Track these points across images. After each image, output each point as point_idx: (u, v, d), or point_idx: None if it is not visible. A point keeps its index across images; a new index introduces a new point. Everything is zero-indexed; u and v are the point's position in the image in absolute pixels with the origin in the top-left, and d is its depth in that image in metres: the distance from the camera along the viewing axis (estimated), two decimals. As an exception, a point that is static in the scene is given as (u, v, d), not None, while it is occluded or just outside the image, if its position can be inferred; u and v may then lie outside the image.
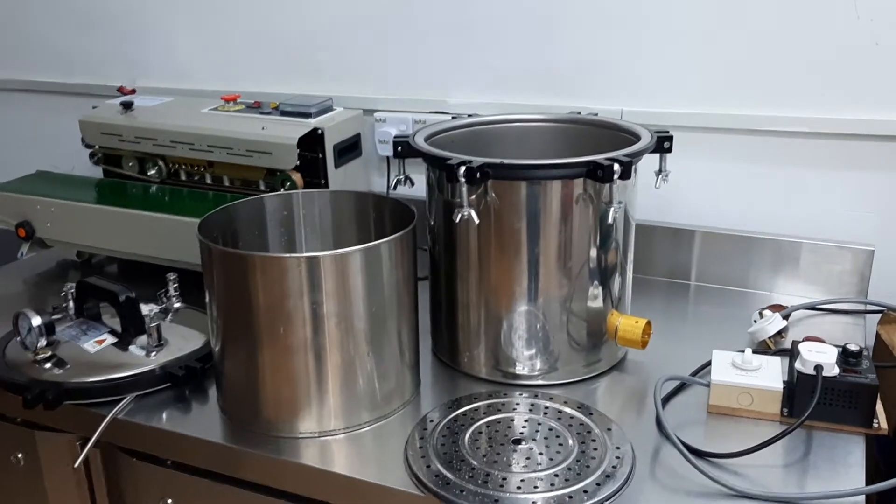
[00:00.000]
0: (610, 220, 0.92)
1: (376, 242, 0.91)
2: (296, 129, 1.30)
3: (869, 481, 0.83)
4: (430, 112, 1.40)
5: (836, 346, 0.93)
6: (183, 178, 1.40)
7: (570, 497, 0.80)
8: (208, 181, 1.39)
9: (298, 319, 0.89)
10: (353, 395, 0.94)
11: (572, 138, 1.14)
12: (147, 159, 1.41)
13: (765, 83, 1.22)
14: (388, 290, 0.94)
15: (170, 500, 0.99)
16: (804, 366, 0.90)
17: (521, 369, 1.01)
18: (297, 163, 1.29)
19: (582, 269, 0.98)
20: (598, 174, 0.90)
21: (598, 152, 0.94)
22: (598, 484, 0.81)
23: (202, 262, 0.94)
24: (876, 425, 0.89)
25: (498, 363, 1.02)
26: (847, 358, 0.92)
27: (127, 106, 1.42)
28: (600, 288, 1.00)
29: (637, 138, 1.02)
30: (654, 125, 1.20)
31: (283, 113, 1.35)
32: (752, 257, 1.26)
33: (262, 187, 1.34)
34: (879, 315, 1.15)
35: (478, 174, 0.90)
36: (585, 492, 0.80)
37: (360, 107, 1.43)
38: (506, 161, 0.91)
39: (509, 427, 0.92)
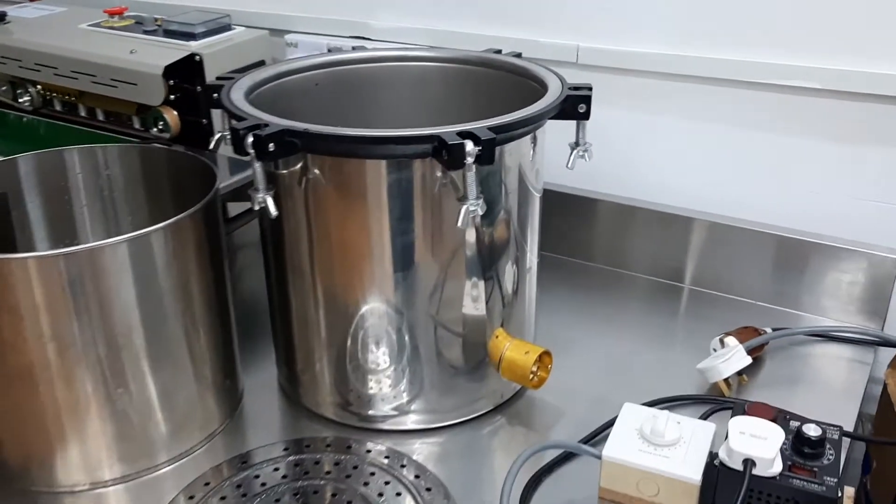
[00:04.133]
0: (460, 224, 0.63)
1: (141, 232, 0.66)
2: (167, 54, 1.03)
3: None
4: (350, 37, 1.11)
5: (791, 420, 0.64)
6: (58, 108, 1.17)
7: None
8: (82, 113, 1.15)
9: (23, 339, 0.65)
10: (127, 434, 0.71)
11: (481, 87, 0.83)
12: (18, 84, 1.17)
13: (769, 20, 0.88)
14: (168, 294, 0.69)
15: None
16: (730, 456, 0.62)
17: (366, 408, 0.76)
18: (170, 97, 1.03)
19: (448, 276, 0.70)
20: (444, 157, 0.61)
21: (502, 110, 0.66)
22: None
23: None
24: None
25: (341, 399, 0.76)
26: (801, 447, 0.62)
27: (-2, 17, 1.18)
28: (480, 301, 0.73)
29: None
30: (616, 68, 0.89)
31: (167, 32, 1.09)
32: (734, 253, 0.95)
33: (136, 125, 1.09)
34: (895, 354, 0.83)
35: (270, 146, 0.62)
36: None
37: (269, 26, 1.15)
38: (312, 129, 0.63)
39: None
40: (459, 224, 0.63)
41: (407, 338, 0.72)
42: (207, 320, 0.74)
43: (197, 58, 1.03)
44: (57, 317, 0.65)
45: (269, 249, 0.75)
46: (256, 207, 0.66)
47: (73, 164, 0.80)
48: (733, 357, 0.78)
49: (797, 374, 0.83)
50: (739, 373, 0.79)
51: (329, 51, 0.89)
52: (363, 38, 1.09)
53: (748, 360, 0.79)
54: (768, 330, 0.85)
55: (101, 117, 1.13)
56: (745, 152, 0.94)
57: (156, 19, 1.12)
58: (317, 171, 0.67)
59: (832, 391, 0.81)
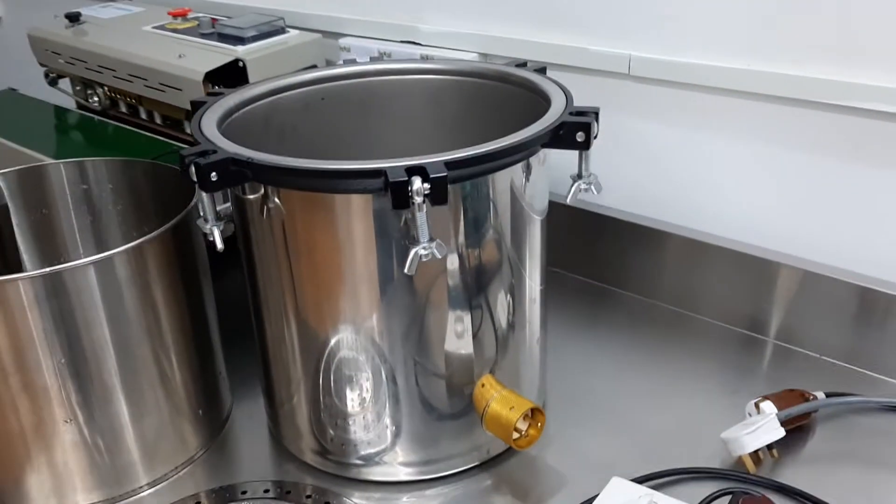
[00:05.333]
0: (407, 270, 0.56)
1: (103, 255, 0.63)
2: (212, 58, 1.01)
3: None
4: (401, 41, 1.05)
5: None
6: (123, 109, 1.18)
7: None
8: (143, 116, 1.15)
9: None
10: (98, 459, 0.69)
11: (497, 103, 0.75)
12: (89, 85, 1.20)
13: (849, 34, 0.74)
14: (135, 319, 0.67)
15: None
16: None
17: (342, 455, 0.70)
18: (213, 104, 1.01)
19: (427, 307, 0.63)
20: (394, 195, 0.54)
21: (515, 129, 0.59)
22: None
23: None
24: None
25: (318, 446, 0.71)
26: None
27: (73, 19, 1.20)
28: (465, 338, 0.65)
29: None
30: (672, 82, 0.80)
31: (220, 36, 1.07)
32: (805, 301, 0.82)
33: (188, 130, 1.09)
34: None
35: (213, 175, 0.58)
36: None
37: (324, 28, 1.11)
38: (257, 158, 0.58)
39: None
40: (406, 270, 0.56)
41: (384, 378, 0.66)
42: (181, 346, 0.71)
43: (241, 63, 1.01)
44: (19, 341, 0.63)
45: (246, 280, 0.71)
46: (209, 238, 0.62)
47: (59, 178, 0.79)
48: (762, 427, 0.67)
49: (848, 453, 0.70)
50: (770, 446, 0.68)
51: (341, 62, 0.83)
52: (412, 43, 1.03)
53: (780, 432, 0.67)
54: (820, 395, 0.73)
55: (158, 120, 1.13)
56: (820, 183, 0.81)
57: (213, 21, 1.10)
58: (277, 200, 0.61)
59: (888, 477, 0.68)
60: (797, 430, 0.71)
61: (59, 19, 1.22)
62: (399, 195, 0.53)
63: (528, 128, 0.60)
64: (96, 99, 1.19)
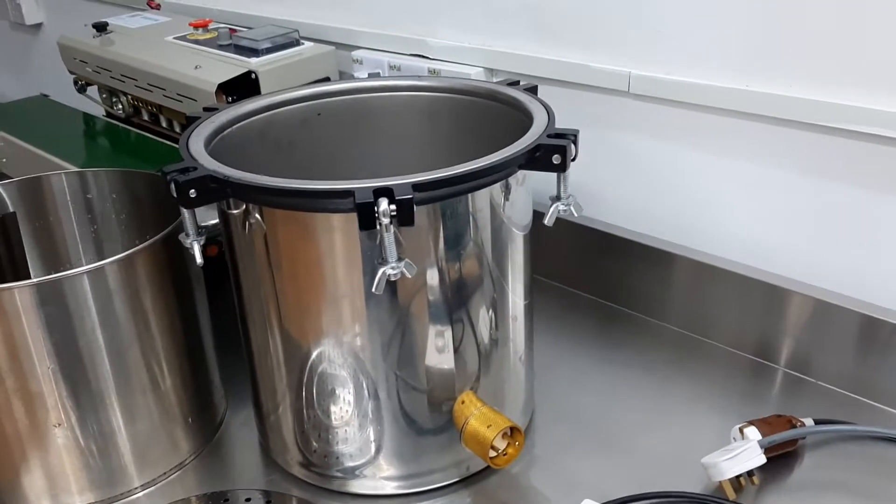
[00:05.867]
0: (374, 289, 0.56)
1: (96, 265, 0.65)
2: (225, 70, 1.04)
3: None
4: (410, 55, 1.06)
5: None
6: (145, 117, 1.21)
7: None
8: (163, 125, 1.18)
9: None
10: (90, 460, 0.71)
11: (488, 121, 0.76)
12: (114, 93, 1.23)
13: (849, 59, 0.73)
14: (126, 327, 0.68)
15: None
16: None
17: (325, 467, 0.71)
18: (227, 115, 1.04)
19: (408, 321, 0.64)
20: (360, 216, 0.55)
21: (489, 148, 0.61)
22: None
23: None
24: None
25: (303, 456, 0.72)
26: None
27: (100, 28, 1.24)
28: (446, 353, 0.66)
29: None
30: (671, 101, 0.80)
31: (236, 48, 1.10)
32: (807, 327, 0.80)
33: (203, 139, 1.11)
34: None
35: (191, 192, 0.59)
36: None
37: (338, 40, 1.12)
38: (234, 176, 0.59)
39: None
40: (374, 289, 0.57)
41: (365, 392, 0.67)
42: (171, 353, 0.72)
43: (253, 75, 1.03)
44: (14, 346, 0.65)
45: (233, 292, 0.72)
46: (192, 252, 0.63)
47: (61, 187, 0.82)
48: (743, 453, 0.66)
49: (836, 482, 0.69)
50: (751, 473, 0.67)
51: (354, 75, 0.84)
52: (420, 56, 1.04)
53: (761, 459, 0.66)
54: (809, 422, 0.72)
55: (177, 129, 1.16)
56: (821, 208, 0.80)
57: (231, 32, 1.13)
58: (258, 216, 0.63)
59: (876, 508, 0.67)
60: (783, 456, 0.70)
61: (88, 28, 1.26)
62: (365, 216, 0.54)
63: (503, 150, 0.61)
64: (120, 107, 1.22)
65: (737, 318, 0.86)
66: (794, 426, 0.71)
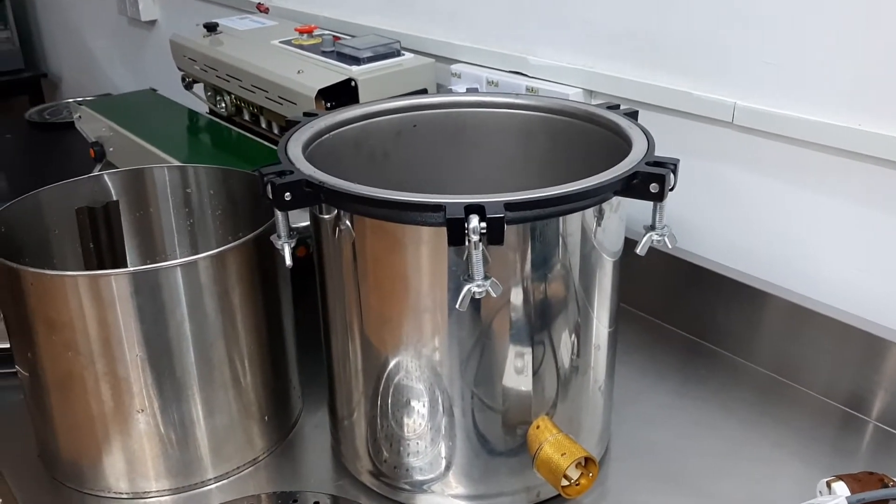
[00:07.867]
0: (458, 306, 0.56)
1: (188, 259, 0.67)
2: (327, 77, 1.05)
3: None
4: (509, 72, 1.05)
5: None
6: (246, 117, 1.24)
7: None
8: (263, 126, 1.21)
9: (76, 350, 0.68)
10: (168, 449, 0.73)
11: (583, 144, 0.75)
12: (218, 92, 1.27)
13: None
14: (213, 323, 0.70)
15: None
16: None
17: (394, 479, 0.71)
18: (325, 120, 1.05)
19: (488, 339, 0.64)
20: (450, 231, 0.55)
21: (583, 171, 0.60)
22: None
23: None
24: None
25: (373, 464, 0.72)
26: None
27: (211, 28, 1.28)
28: (525, 374, 0.65)
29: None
30: (776, 135, 0.78)
31: (339, 55, 1.11)
32: None
33: (300, 142, 1.13)
34: None
35: (286, 195, 0.60)
36: None
37: (439, 53, 1.13)
38: (329, 183, 0.60)
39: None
40: (458, 305, 0.56)
41: (440, 407, 0.67)
42: (254, 351, 0.74)
43: (353, 83, 1.05)
44: (106, 331, 0.68)
45: (318, 295, 0.73)
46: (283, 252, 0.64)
47: (163, 180, 0.84)
48: (826, 511, 0.63)
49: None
50: (834, 532, 0.64)
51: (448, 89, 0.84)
52: (519, 74, 1.04)
53: (847, 518, 0.63)
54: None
55: (276, 131, 1.19)
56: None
57: (335, 39, 1.15)
58: (348, 223, 0.63)
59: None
60: (874, 516, 0.67)
61: (199, 28, 1.30)
62: (455, 232, 0.54)
63: (599, 174, 0.60)
64: (224, 106, 1.26)
65: (829, 364, 0.82)
66: (885, 485, 0.67)
